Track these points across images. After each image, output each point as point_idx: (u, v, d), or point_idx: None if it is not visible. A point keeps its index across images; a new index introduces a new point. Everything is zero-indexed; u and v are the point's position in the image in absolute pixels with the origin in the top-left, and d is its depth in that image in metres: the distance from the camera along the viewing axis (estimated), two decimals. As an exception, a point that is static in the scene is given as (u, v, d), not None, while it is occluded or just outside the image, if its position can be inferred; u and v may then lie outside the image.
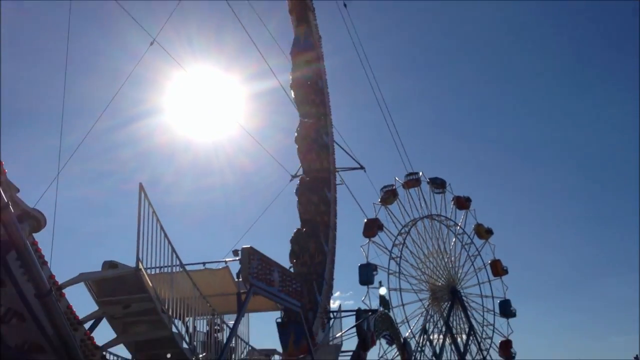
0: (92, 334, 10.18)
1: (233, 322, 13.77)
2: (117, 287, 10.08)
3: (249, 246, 13.93)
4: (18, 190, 8.42)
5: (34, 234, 8.65)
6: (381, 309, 37.84)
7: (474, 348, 52.97)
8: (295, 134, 24.45)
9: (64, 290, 9.38)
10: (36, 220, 8.52)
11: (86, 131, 18.71)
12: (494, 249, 56.97)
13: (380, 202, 51.64)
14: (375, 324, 29.39)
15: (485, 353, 53.55)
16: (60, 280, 9.30)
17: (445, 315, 51.93)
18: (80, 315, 9.76)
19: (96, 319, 10.68)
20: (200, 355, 11.45)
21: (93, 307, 10.41)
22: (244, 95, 31.82)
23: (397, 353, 42.45)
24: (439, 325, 52.55)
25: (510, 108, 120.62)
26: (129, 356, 12.08)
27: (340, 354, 22.69)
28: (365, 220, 49.34)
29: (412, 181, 53.13)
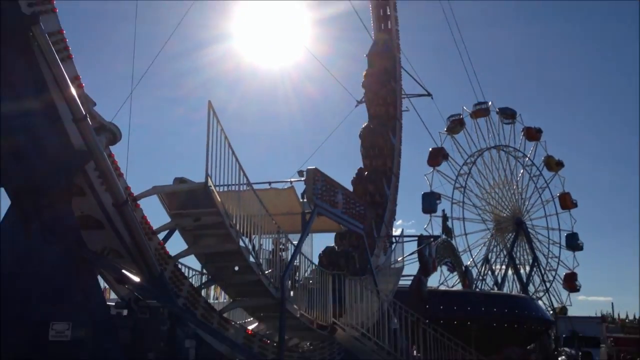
0: (165, 245, 10.78)
1: (297, 241, 14.13)
2: (187, 201, 10.43)
3: (313, 167, 14.03)
4: (95, 104, 8.75)
5: (110, 147, 9.07)
6: (444, 236, 37.86)
7: (537, 279, 52.59)
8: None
9: (138, 202, 9.87)
10: (112, 134, 8.87)
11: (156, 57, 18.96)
12: (563, 181, 55.27)
13: (446, 131, 50.55)
14: (437, 251, 29.56)
15: (548, 285, 53.08)
16: (134, 192, 9.78)
17: (508, 246, 51.45)
18: (154, 226, 10.30)
19: (169, 230, 11.21)
20: (266, 272, 11.88)
21: (165, 219, 10.91)
22: (310, 21, 31.13)
23: (458, 280, 42.84)
24: (501, 256, 52.26)
25: (583, 39, 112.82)
26: (199, 267, 12.76)
27: (402, 278, 23.03)
28: (431, 149, 48.64)
29: (481, 111, 51.50)
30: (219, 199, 10.21)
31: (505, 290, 48.61)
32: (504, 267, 51.41)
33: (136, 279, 8.72)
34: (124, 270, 8.68)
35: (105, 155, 8.53)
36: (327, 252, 19.38)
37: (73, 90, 7.94)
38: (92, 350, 7.43)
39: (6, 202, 8.35)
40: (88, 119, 8.07)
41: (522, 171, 54.24)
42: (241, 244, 10.76)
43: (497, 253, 52.45)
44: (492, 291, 45.57)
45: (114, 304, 9.52)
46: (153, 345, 7.86)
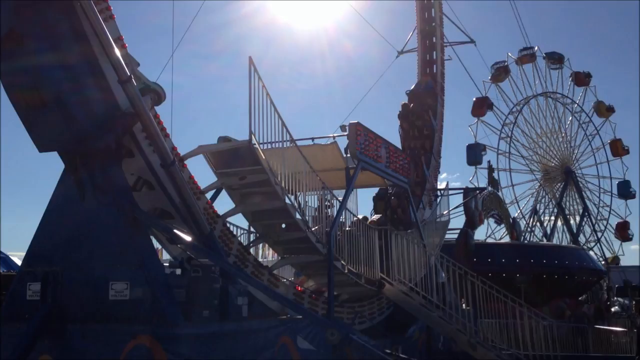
0: (213, 204, 10.91)
1: (342, 197, 14.08)
2: (232, 159, 10.46)
3: (356, 121, 13.81)
4: (138, 65, 8.76)
5: (155, 107, 9.11)
6: (490, 188, 37.23)
7: (587, 229, 51.42)
8: None
9: (185, 162, 9.96)
10: (156, 94, 8.90)
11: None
12: (614, 128, 53.14)
13: (490, 79, 49.00)
14: (483, 203, 29.13)
15: (600, 234, 51.89)
16: (180, 152, 9.86)
17: (557, 196, 50.28)
18: (201, 185, 10.40)
19: (216, 189, 11.32)
20: (313, 229, 11.91)
21: (212, 178, 11.00)
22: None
23: (506, 233, 42.28)
24: (550, 207, 51.19)
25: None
26: (246, 225, 12.93)
27: (448, 231, 22.84)
28: (475, 98, 47.33)
29: (527, 56, 49.57)
30: (264, 157, 10.20)
31: (555, 241, 47.78)
32: (552, 218, 50.43)
33: (187, 238, 8.86)
34: (175, 230, 8.84)
35: (151, 116, 8.58)
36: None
37: (117, 51, 7.94)
38: (150, 309, 7.65)
39: (60, 167, 8.56)
40: (133, 80, 8.09)
41: (570, 118, 52.35)
42: (287, 201, 10.78)
43: (546, 204, 51.38)
44: (541, 242, 44.93)
45: (167, 263, 9.77)
46: (207, 302, 8.03)
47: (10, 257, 23.59)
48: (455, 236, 24.32)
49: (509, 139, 49.95)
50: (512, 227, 37.74)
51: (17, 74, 7.67)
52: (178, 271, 8.93)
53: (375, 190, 18.92)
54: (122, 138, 8.44)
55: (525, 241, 42.56)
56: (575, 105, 52.41)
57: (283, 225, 11.78)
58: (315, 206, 13.11)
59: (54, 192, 8.57)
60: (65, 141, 8.15)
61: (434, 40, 24.39)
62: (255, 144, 9.86)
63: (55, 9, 7.60)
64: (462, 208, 24.52)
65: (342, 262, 12.13)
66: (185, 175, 9.60)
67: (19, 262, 21.94)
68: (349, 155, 14.34)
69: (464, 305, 13.97)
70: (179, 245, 9.80)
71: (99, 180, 8.22)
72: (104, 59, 8.02)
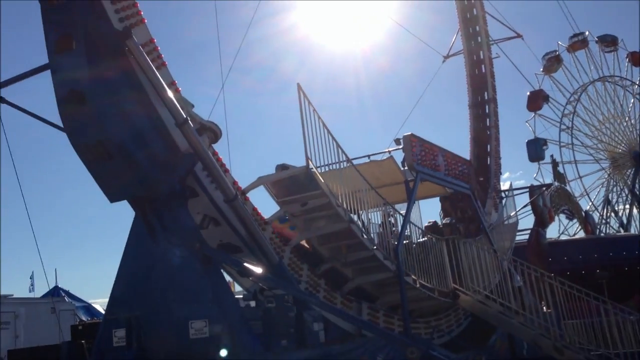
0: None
1: (404, 211, 13.95)
2: (292, 186, 10.58)
3: (409, 133, 13.71)
4: (193, 106, 9.04)
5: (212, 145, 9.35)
6: (556, 183, 35.93)
7: (666, 215, 48.68)
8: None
9: (247, 195, 10.14)
10: (213, 132, 9.14)
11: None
12: (680, 103, 50.31)
13: (543, 71, 47.53)
14: (551, 200, 28.10)
15: (680, 218, 49.01)
16: (241, 185, 10.06)
17: (629, 182, 47.94)
18: (264, 215, 10.54)
19: (279, 218, 11.44)
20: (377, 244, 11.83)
21: (274, 208, 11.16)
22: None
23: (579, 227, 40.56)
24: (623, 195, 48.82)
25: None
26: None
27: (518, 233, 22.18)
28: (529, 93, 46.00)
29: (578, 43, 47.75)
30: (322, 180, 10.25)
31: (633, 231, 45.51)
32: (627, 206, 48.10)
33: (258, 270, 8.98)
34: (245, 264, 8.97)
35: (210, 154, 8.81)
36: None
37: (172, 96, 8.23)
38: (230, 344, 7.77)
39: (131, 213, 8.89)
40: (189, 122, 8.34)
41: (632, 100, 50.02)
42: (351, 221, 10.77)
43: (618, 192, 49.01)
44: (618, 234, 42.87)
45: (241, 296, 9.92)
46: (284, 332, 8.09)
47: (92, 304, 24.68)
48: (526, 237, 23.55)
49: (570, 130, 48.21)
50: (586, 220, 36.17)
51: (82, 131, 8.05)
52: (252, 303, 9.05)
53: (437, 200, 18.64)
54: (185, 179, 8.69)
55: (602, 234, 40.70)
56: (636, 86, 50.06)
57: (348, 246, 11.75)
58: (379, 222, 13.03)
59: (128, 238, 8.90)
60: (132, 189, 8.47)
61: (479, 40, 23.98)
62: (312, 169, 9.94)
63: (113, 66, 7.96)
64: (529, 207, 23.74)
65: (413, 276, 11.96)
66: (249, 207, 9.77)
67: (100, 309, 22.95)
68: (406, 168, 14.23)
69: (544, 308, 13.45)
70: (250, 278, 9.94)
71: (168, 222, 8.48)
72: (160, 105, 8.31)
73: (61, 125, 8.36)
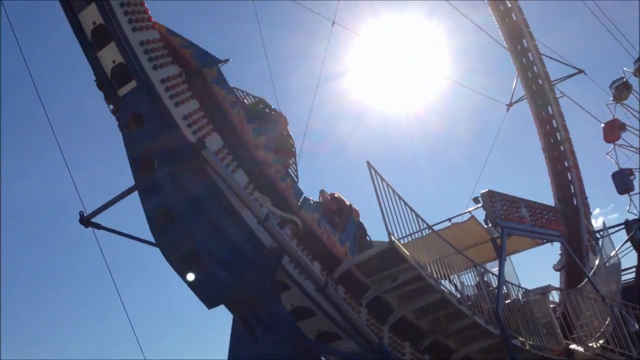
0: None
1: (495, 269, 13.50)
2: (379, 264, 10.53)
3: (487, 190, 13.51)
4: (271, 202, 9.35)
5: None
6: (653, 213, 33.60)
7: None
8: None
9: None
10: (294, 223, 9.37)
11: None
12: None
13: (613, 100, 45.86)
14: (651, 231, 26.30)
15: None
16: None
17: None
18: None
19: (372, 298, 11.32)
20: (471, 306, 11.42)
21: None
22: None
23: (689, 255, 37.45)
24: None
25: None
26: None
27: (622, 273, 20.76)
28: (603, 124, 44.33)
29: (644, 65, 46.16)
30: (408, 253, 10.17)
31: None
32: None
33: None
34: (342, 348, 8.88)
35: (295, 246, 8.98)
36: None
37: (249, 196, 8.57)
38: None
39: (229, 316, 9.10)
40: (270, 218, 8.61)
41: None
42: (444, 290, 10.52)
43: None
44: None
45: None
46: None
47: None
48: (633, 276, 21.96)
49: (655, 154, 45.64)
50: (695, 247, 33.36)
51: (174, 244, 8.49)
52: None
53: (529, 252, 17.88)
54: (275, 275, 8.87)
55: None
56: None
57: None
58: (473, 284, 12.65)
59: (230, 342, 9.06)
60: (227, 293, 8.72)
61: (540, 82, 23.71)
62: (395, 242, 9.91)
63: (194, 178, 8.44)
64: (629, 243, 22.31)
65: (520, 338, 11.37)
66: (340, 292, 9.77)
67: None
68: (490, 225, 13.92)
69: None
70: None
71: (265, 320, 8.60)
72: (241, 207, 8.66)
73: (152, 241, 8.86)
